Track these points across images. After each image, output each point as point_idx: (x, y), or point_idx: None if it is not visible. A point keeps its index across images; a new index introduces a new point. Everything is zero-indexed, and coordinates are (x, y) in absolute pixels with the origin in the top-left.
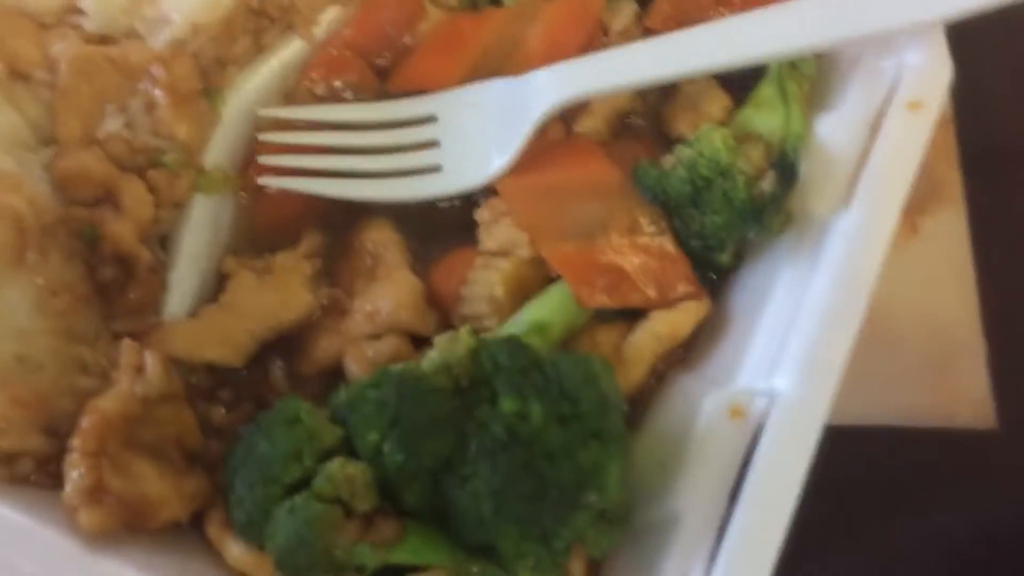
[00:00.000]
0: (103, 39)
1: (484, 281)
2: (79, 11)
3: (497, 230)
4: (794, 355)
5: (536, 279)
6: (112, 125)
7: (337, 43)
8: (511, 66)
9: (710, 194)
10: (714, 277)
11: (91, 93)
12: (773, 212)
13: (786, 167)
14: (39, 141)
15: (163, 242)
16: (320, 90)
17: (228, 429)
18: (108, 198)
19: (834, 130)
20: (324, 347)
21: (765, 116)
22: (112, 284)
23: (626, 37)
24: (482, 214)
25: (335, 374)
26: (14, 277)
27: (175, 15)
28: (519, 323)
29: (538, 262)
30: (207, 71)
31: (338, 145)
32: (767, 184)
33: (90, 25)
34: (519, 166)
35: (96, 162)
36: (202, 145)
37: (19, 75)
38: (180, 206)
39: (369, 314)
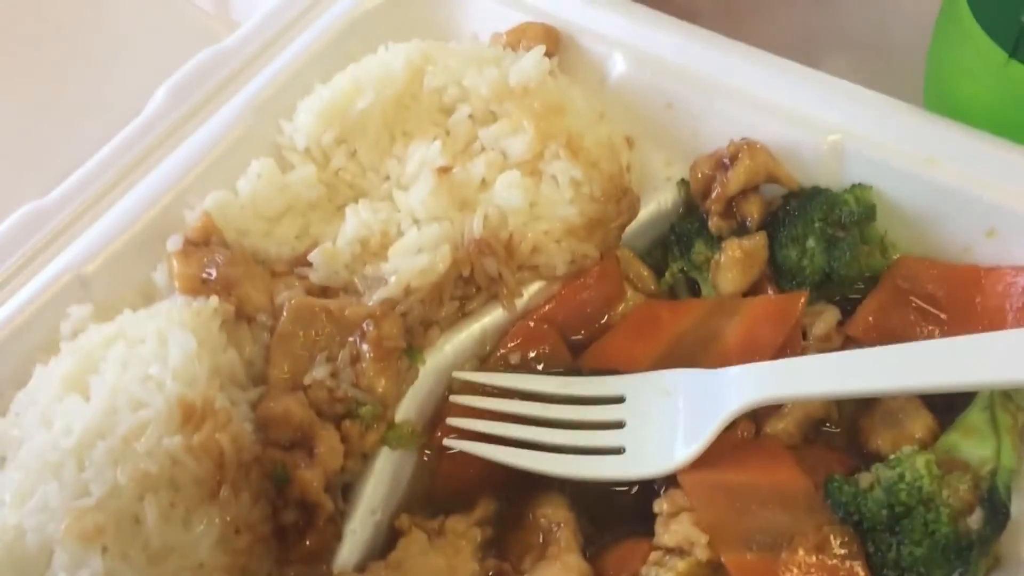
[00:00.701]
0: (324, 291)
1: None
2: (308, 263)
3: (675, 525)
4: None
5: None
6: (319, 372)
7: (537, 316)
8: (705, 357)
9: (910, 522)
10: None
11: (305, 340)
12: (980, 553)
13: (996, 505)
14: (250, 380)
15: (344, 490)
16: (514, 359)
17: None
18: (303, 443)
19: None
20: None
21: (973, 444)
22: (291, 528)
23: (826, 343)
24: (661, 505)
25: None
26: (206, 511)
27: (392, 276)
28: None
29: (716, 566)
30: (412, 329)
31: (524, 415)
32: (974, 521)
33: (314, 276)
34: (703, 460)
35: (298, 407)
36: (396, 400)
37: (245, 316)
38: (367, 457)
39: None
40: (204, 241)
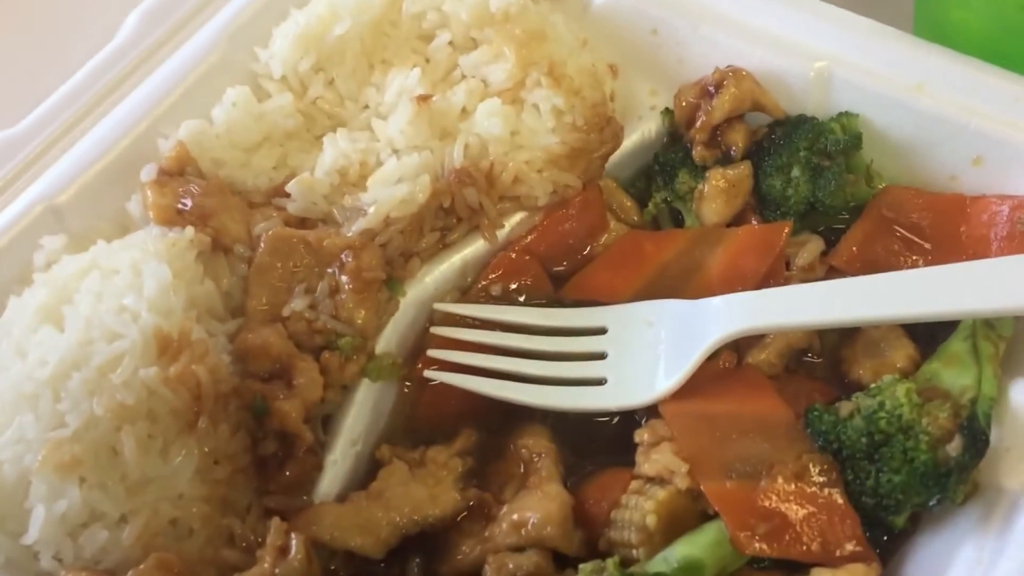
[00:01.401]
0: (302, 222)
1: (637, 507)
2: (285, 194)
3: (656, 454)
4: None
5: (691, 512)
6: (297, 304)
7: (518, 247)
8: (688, 288)
9: (889, 450)
10: (886, 540)
11: (283, 272)
12: (958, 480)
13: (976, 432)
14: (227, 311)
15: (324, 422)
16: (495, 290)
17: None
18: (282, 374)
19: None
20: (465, 551)
21: (954, 373)
22: (271, 459)
23: (809, 273)
24: (641, 435)
25: None
26: (184, 442)
27: (371, 206)
28: (669, 559)
29: (695, 494)
30: (392, 261)
31: (506, 346)
32: (953, 449)
33: (293, 207)
34: (685, 391)
35: (277, 339)
36: (376, 332)
37: (222, 247)
38: (347, 389)
39: (515, 524)
40: (179, 171)
